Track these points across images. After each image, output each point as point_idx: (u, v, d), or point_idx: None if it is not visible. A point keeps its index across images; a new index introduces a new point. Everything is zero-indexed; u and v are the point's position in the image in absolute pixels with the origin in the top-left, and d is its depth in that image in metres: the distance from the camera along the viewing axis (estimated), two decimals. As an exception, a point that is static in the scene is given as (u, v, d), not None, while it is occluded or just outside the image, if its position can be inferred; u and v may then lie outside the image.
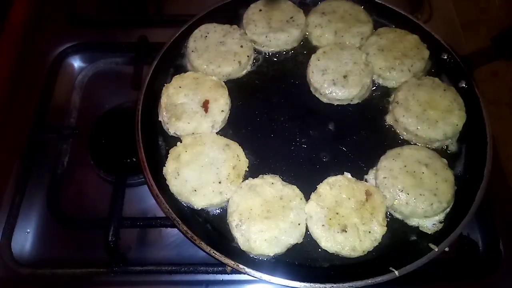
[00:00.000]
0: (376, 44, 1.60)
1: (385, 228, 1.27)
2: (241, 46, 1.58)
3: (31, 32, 1.86)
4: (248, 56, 1.57)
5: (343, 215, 1.28)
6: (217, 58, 1.55)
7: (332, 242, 1.25)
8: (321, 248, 1.27)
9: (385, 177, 1.35)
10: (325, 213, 1.29)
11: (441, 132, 1.42)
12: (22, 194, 1.51)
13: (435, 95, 1.48)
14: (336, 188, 1.32)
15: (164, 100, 1.46)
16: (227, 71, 1.55)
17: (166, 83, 1.51)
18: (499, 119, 1.63)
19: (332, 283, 1.19)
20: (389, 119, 1.52)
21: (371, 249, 1.26)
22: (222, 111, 1.46)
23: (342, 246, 1.25)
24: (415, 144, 1.46)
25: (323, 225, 1.27)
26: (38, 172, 1.55)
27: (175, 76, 1.51)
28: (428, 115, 1.44)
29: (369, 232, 1.26)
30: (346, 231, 1.26)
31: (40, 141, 1.61)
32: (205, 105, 1.45)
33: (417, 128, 1.43)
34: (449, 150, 1.48)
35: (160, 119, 1.47)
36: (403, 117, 1.45)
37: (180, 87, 1.48)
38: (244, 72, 1.60)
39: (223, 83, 1.52)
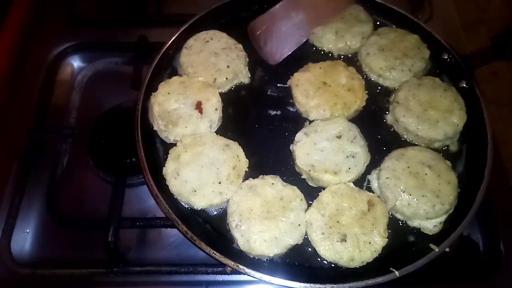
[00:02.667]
0: (377, 44, 1.59)
1: (386, 240, 1.26)
2: (228, 66, 1.53)
3: (30, 31, 1.86)
4: (226, 79, 1.52)
5: (343, 224, 1.27)
6: (200, 65, 1.53)
7: (331, 251, 1.25)
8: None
9: (388, 178, 1.35)
10: (325, 221, 1.28)
11: (442, 132, 1.42)
12: (22, 194, 1.50)
13: (436, 95, 1.48)
14: (338, 197, 1.31)
15: (156, 109, 1.43)
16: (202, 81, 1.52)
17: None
18: (500, 119, 1.63)
19: (332, 283, 1.19)
20: (389, 119, 1.52)
21: (370, 261, 1.24)
22: (216, 109, 1.45)
23: (340, 256, 1.24)
24: (416, 144, 1.46)
25: (322, 233, 1.26)
26: (38, 172, 1.55)
27: (161, 83, 1.48)
28: (428, 115, 1.44)
29: (370, 243, 1.25)
30: (345, 241, 1.25)
31: (40, 141, 1.61)
32: (199, 107, 1.44)
33: (418, 128, 1.43)
34: (450, 150, 1.48)
35: (155, 128, 1.45)
36: (403, 117, 1.45)
37: (168, 93, 1.46)
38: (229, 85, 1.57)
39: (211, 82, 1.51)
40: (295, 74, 1.54)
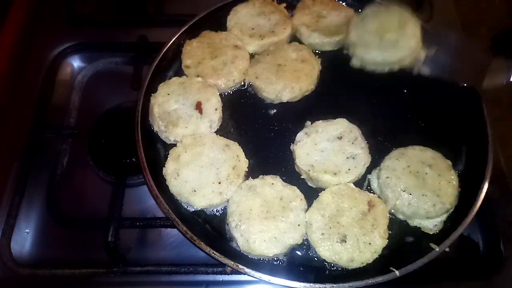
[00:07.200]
0: None
1: (386, 241, 1.26)
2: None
3: (30, 31, 1.86)
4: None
5: (343, 225, 1.27)
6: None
7: (331, 251, 1.24)
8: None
9: (388, 177, 1.34)
10: (325, 222, 1.27)
11: (407, 47, 1.48)
12: (22, 194, 1.50)
13: (383, 20, 1.52)
14: (338, 197, 1.31)
15: (156, 109, 1.43)
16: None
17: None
18: (500, 119, 1.62)
19: (332, 283, 1.19)
20: (355, 62, 1.56)
21: (370, 261, 1.24)
22: (216, 109, 1.45)
23: (340, 256, 1.23)
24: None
25: (322, 234, 1.26)
26: (38, 172, 1.55)
27: (161, 84, 1.49)
28: (387, 40, 1.49)
29: (369, 243, 1.24)
30: (345, 241, 1.24)
31: (40, 141, 1.61)
32: (199, 107, 1.44)
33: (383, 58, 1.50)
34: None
35: (155, 129, 1.46)
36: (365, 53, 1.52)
37: (168, 94, 1.46)
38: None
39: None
40: (249, 68, 1.56)
